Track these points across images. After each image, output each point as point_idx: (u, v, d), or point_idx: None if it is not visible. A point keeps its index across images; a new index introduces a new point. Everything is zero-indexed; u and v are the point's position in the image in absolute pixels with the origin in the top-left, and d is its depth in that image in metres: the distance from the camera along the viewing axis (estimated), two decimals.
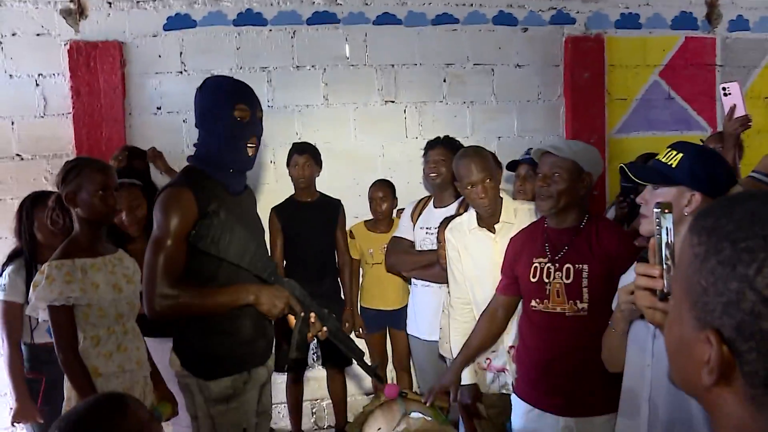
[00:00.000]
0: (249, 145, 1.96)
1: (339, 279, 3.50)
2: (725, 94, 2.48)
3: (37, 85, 3.44)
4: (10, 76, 3.41)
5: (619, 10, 3.91)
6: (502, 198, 2.47)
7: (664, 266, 1.06)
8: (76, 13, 3.45)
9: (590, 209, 3.34)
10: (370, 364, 2.24)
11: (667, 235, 1.06)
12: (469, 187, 2.37)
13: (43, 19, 3.41)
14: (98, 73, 3.43)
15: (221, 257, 1.86)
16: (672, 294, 0.77)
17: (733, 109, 2.45)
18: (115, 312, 2.11)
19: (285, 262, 3.40)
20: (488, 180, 2.35)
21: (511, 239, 2.28)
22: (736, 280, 0.64)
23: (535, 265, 2.10)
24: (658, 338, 1.32)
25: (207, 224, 1.82)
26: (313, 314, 1.99)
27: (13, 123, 3.43)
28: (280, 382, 3.46)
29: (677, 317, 0.73)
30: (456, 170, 2.45)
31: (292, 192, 3.44)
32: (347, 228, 3.51)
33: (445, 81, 3.75)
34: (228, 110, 1.90)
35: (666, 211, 1.05)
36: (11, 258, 2.67)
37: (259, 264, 1.95)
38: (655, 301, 1.07)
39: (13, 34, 3.40)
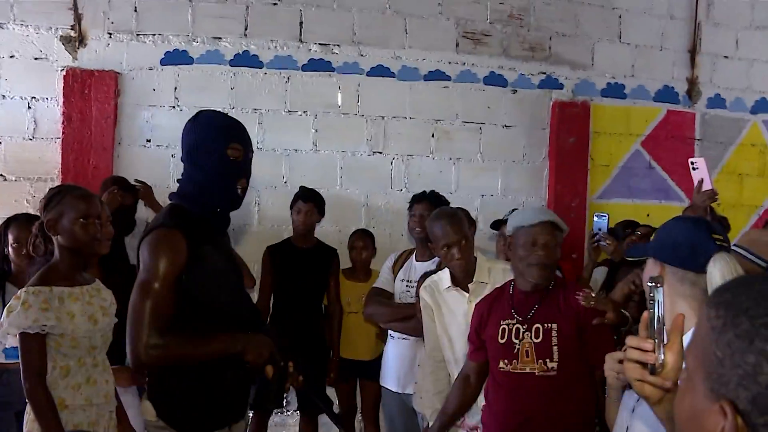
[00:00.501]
0: (239, 185, 1.89)
1: (324, 327, 3.48)
2: (693, 169, 2.58)
3: (29, 107, 3.50)
4: (3, 96, 3.48)
5: (606, 79, 4.08)
6: (476, 257, 2.53)
7: (656, 340, 1.08)
8: (75, 41, 3.54)
9: (569, 269, 3.48)
10: (337, 413, 2.24)
11: (659, 308, 1.08)
12: (445, 249, 2.44)
13: (42, 44, 3.50)
14: (92, 101, 3.50)
15: (211, 303, 1.80)
16: (686, 365, 0.80)
17: (700, 183, 2.54)
18: (89, 344, 2.09)
19: (273, 302, 3.43)
20: (463, 241, 2.42)
21: (476, 305, 2.32)
22: (754, 353, 0.66)
23: (503, 326, 2.16)
24: (641, 403, 1.36)
25: (199, 269, 1.75)
26: (290, 363, 1.92)
27: (0, 143, 3.48)
28: None
29: (689, 387, 0.75)
30: (431, 232, 2.51)
31: (274, 234, 3.49)
32: None
33: (433, 136, 3.86)
34: (221, 147, 1.84)
35: (657, 285, 1.09)
36: None
37: (245, 310, 1.92)
38: (645, 375, 1.08)
39: (11, 56, 3.48)
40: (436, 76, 3.86)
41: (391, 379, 3.16)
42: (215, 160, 1.84)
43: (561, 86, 4.01)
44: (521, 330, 2.12)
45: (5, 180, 3.48)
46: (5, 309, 2.07)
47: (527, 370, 2.08)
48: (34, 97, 3.51)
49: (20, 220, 2.73)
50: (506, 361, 2.12)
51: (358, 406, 3.59)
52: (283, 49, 3.69)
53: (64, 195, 2.15)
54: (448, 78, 3.87)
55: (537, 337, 2.09)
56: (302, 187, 3.48)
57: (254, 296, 3.40)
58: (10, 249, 2.69)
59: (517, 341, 2.11)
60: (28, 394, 2.03)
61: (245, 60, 3.65)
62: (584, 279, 3.02)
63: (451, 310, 2.49)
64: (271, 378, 1.86)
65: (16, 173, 3.49)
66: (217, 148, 1.84)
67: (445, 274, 2.55)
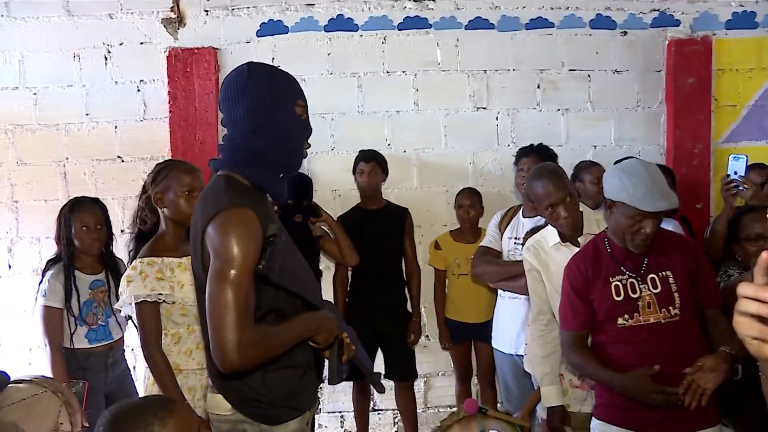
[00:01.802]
0: (305, 146, 1.77)
1: (406, 289, 3.57)
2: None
3: (138, 90, 3.74)
4: (116, 82, 3.73)
5: (731, 9, 3.79)
6: (581, 211, 2.48)
7: None
8: (175, 22, 3.72)
9: (693, 221, 3.33)
10: (373, 373, 2.11)
11: None
12: (550, 209, 2.39)
13: (146, 29, 3.71)
14: (194, 78, 3.68)
15: (286, 288, 1.67)
16: None
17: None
18: (197, 311, 2.21)
19: (350, 271, 3.51)
20: (568, 198, 2.37)
21: (568, 267, 2.26)
22: None
23: (615, 283, 2.14)
24: None
25: (274, 252, 1.59)
26: (345, 335, 1.83)
27: (116, 127, 3.75)
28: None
29: None
30: (532, 192, 2.46)
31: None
32: (434, 238, 3.60)
33: (539, 87, 3.77)
34: (291, 105, 1.69)
35: None
36: (50, 263, 2.80)
37: (311, 288, 1.83)
38: (765, 331, 0.91)
39: (120, 44, 3.72)
40: (539, 23, 3.75)
41: (503, 340, 3.16)
42: (285, 119, 1.68)
43: (677, 23, 3.78)
44: (636, 284, 2.12)
45: (123, 161, 3.75)
46: (123, 279, 2.23)
47: (651, 320, 2.10)
48: (142, 80, 3.73)
49: (85, 204, 2.81)
50: (627, 316, 2.11)
51: (474, 369, 3.63)
52: (377, 9, 3.71)
53: (170, 169, 2.31)
54: (552, 25, 3.75)
55: (655, 287, 2.11)
56: (361, 150, 3.52)
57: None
58: (76, 232, 2.74)
59: (635, 295, 2.11)
60: (147, 359, 2.21)
61: (340, 24, 3.70)
62: (718, 232, 2.84)
63: (561, 269, 2.41)
64: (330, 354, 1.80)
65: (131, 154, 3.75)
66: (286, 105, 1.69)
67: (550, 231, 2.51)
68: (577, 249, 2.41)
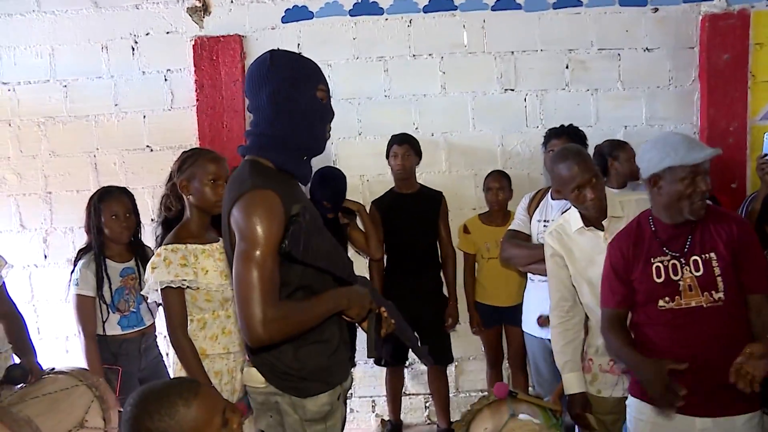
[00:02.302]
0: (328, 129, 1.84)
1: (442, 272, 3.58)
2: None
3: (166, 80, 3.78)
4: (143, 72, 3.77)
5: None
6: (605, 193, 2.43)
7: None
8: (200, 10, 3.75)
9: (727, 201, 3.25)
10: (421, 346, 2.15)
11: None
12: (576, 191, 2.34)
13: (172, 18, 3.74)
14: (220, 66, 3.71)
15: (312, 264, 1.72)
16: None
17: None
18: (221, 297, 2.28)
19: (386, 255, 3.52)
20: (594, 179, 2.33)
21: (611, 246, 2.23)
22: None
23: (656, 264, 2.09)
24: None
25: (297, 231, 1.64)
26: (383, 309, 1.89)
27: (144, 116, 3.80)
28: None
29: None
30: (557, 174, 2.40)
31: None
32: (462, 222, 3.58)
33: (567, 67, 3.72)
34: (312, 90, 1.76)
35: None
36: (81, 252, 2.84)
37: (341, 264, 1.85)
38: None
39: (146, 34, 3.76)
40: (567, 2, 3.68)
41: (533, 323, 3.13)
42: (306, 103, 1.75)
43: None
44: (678, 266, 2.06)
45: (152, 150, 3.80)
46: (148, 266, 2.27)
47: (693, 304, 2.04)
48: (169, 69, 3.77)
49: (114, 193, 2.85)
50: (667, 299, 2.06)
51: (505, 353, 3.62)
52: None
53: (196, 158, 2.35)
54: (580, 3, 3.68)
55: (697, 269, 2.04)
56: (394, 135, 3.51)
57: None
58: (105, 221, 2.78)
59: (677, 277, 2.05)
60: (173, 344, 2.25)
61: (365, 8, 3.69)
62: (755, 211, 2.79)
63: (585, 253, 2.41)
64: (368, 328, 1.84)
65: (160, 143, 3.80)
66: (307, 90, 1.75)
67: (573, 215, 2.46)
68: (602, 233, 2.38)
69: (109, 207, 2.79)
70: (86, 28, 3.78)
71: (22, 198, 3.90)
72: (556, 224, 2.53)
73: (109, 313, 2.76)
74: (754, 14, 3.65)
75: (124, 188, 2.94)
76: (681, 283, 2.05)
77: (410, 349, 2.13)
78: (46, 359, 3.00)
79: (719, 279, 2.02)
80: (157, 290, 2.24)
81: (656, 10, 3.70)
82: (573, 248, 2.45)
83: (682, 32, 3.71)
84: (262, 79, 1.75)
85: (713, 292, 2.02)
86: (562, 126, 3.21)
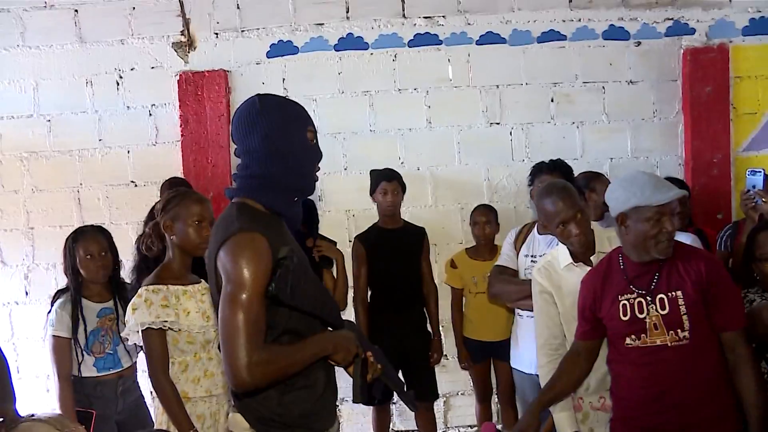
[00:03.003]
0: (317, 170, 1.85)
1: (425, 309, 3.53)
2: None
3: (150, 115, 3.77)
4: (128, 107, 3.76)
5: (748, 15, 3.72)
6: (592, 229, 2.43)
7: None
8: (186, 45, 3.75)
9: (713, 233, 3.26)
10: (407, 391, 2.14)
11: None
12: (561, 226, 2.35)
13: (157, 53, 3.74)
14: (205, 101, 3.70)
15: (299, 308, 1.71)
16: None
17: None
18: (203, 339, 2.25)
19: (370, 291, 3.48)
20: (579, 215, 2.33)
21: (582, 281, 2.25)
22: None
23: (623, 302, 2.09)
24: None
25: (284, 274, 1.63)
26: (369, 354, 1.85)
27: (129, 152, 3.77)
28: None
29: None
30: (542, 209, 2.42)
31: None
32: (449, 256, 3.57)
33: (552, 101, 3.74)
34: (302, 131, 1.77)
35: None
36: (59, 293, 2.80)
37: (328, 308, 1.84)
38: None
39: (131, 69, 3.76)
40: (551, 36, 3.72)
41: (522, 359, 3.09)
42: (297, 145, 1.75)
43: (692, 31, 3.72)
44: (644, 303, 2.05)
45: (136, 186, 3.77)
46: (129, 307, 2.23)
47: (658, 342, 2.03)
48: (154, 104, 3.76)
49: (87, 232, 2.81)
50: (633, 337, 2.07)
51: (494, 388, 3.58)
52: (387, 27, 3.71)
53: (181, 198, 2.34)
54: (564, 37, 3.72)
55: (663, 308, 2.03)
56: (377, 170, 3.47)
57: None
58: (80, 262, 2.74)
59: (642, 315, 2.05)
60: (154, 387, 2.21)
61: (350, 43, 3.71)
62: (741, 245, 2.79)
63: (574, 289, 2.36)
64: (353, 373, 1.82)
65: (144, 178, 3.77)
66: (297, 131, 1.76)
67: (562, 251, 2.44)
68: (588, 269, 2.36)
69: (84, 246, 2.75)
70: (71, 62, 3.77)
71: (3, 234, 3.85)
72: (545, 261, 2.51)
73: (83, 355, 2.70)
74: (733, 48, 3.71)
75: (100, 227, 2.91)
76: (647, 321, 2.05)
77: (396, 394, 2.08)
78: (25, 399, 2.94)
79: (685, 318, 2.01)
80: (137, 332, 2.20)
81: (639, 43, 3.74)
82: (562, 285, 2.42)
83: (665, 65, 3.75)
84: (252, 122, 1.75)
85: (678, 330, 2.01)
86: (551, 161, 3.22)
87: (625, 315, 2.08)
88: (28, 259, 3.83)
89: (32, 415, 2.40)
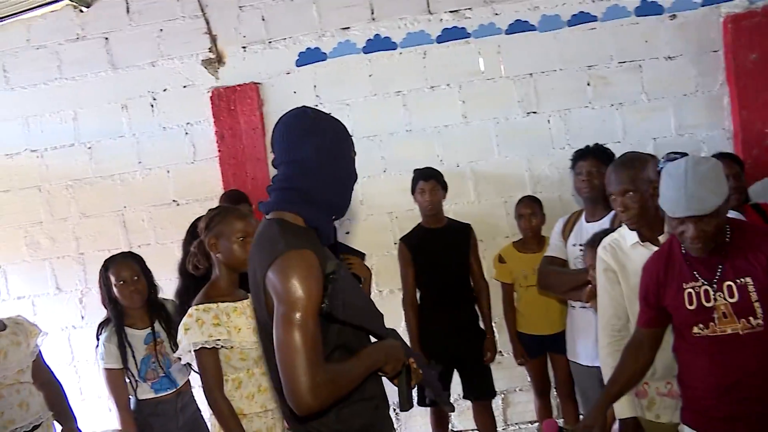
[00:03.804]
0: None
1: (477, 306, 3.49)
2: None
3: (186, 133, 3.80)
4: (164, 128, 3.81)
5: None
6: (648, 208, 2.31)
7: None
8: (215, 62, 3.78)
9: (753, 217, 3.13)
10: (443, 393, 2.09)
11: None
12: (611, 198, 2.31)
13: (188, 72, 3.78)
14: (239, 115, 3.71)
15: (352, 323, 1.67)
16: None
17: None
18: (256, 354, 2.23)
19: (419, 292, 3.45)
20: (630, 192, 2.24)
21: (644, 267, 2.15)
22: None
23: (688, 291, 1.99)
24: None
25: (335, 289, 1.60)
26: (412, 361, 1.82)
27: (168, 171, 3.82)
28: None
29: None
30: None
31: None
32: (497, 252, 3.51)
33: (588, 84, 3.63)
34: (350, 150, 1.74)
35: None
36: (102, 326, 2.82)
37: (375, 319, 1.80)
38: None
39: (164, 90, 3.80)
40: (581, 18, 3.61)
41: (579, 352, 3.02)
42: (346, 163, 1.72)
43: None
44: (711, 292, 1.95)
45: (178, 205, 3.81)
46: (180, 327, 2.23)
47: (729, 331, 1.92)
48: (189, 123, 3.80)
49: (117, 259, 2.84)
50: (701, 326, 1.96)
51: (552, 382, 3.50)
52: (413, 25, 3.66)
53: (224, 216, 2.33)
54: (594, 18, 3.61)
55: (732, 296, 1.92)
56: (417, 169, 3.44)
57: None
58: (115, 289, 2.76)
59: (709, 304, 1.95)
60: (210, 405, 2.21)
61: (378, 44, 3.67)
62: None
63: (639, 269, 2.26)
64: (399, 382, 1.79)
65: (186, 197, 3.81)
66: (348, 150, 1.73)
67: (628, 230, 2.38)
68: (653, 251, 2.27)
69: (116, 273, 2.78)
70: (106, 89, 3.84)
71: (56, 261, 3.95)
72: (611, 238, 2.42)
73: (137, 383, 2.73)
74: None
75: (130, 252, 2.96)
76: (715, 309, 1.94)
77: (435, 396, 2.08)
78: (89, 419, 3.01)
79: (757, 305, 1.90)
80: (190, 351, 2.20)
81: (674, 16, 3.61)
82: (627, 264, 2.34)
83: (704, 36, 3.60)
84: (304, 131, 1.68)
85: (751, 318, 1.90)
86: (587, 147, 3.14)
87: (691, 304, 1.98)
88: (81, 283, 3.92)
89: None
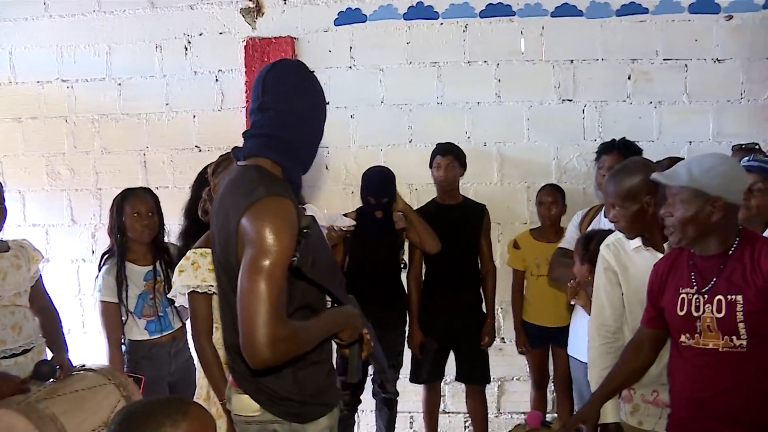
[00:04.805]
0: None
1: (481, 289, 3.45)
2: None
3: (217, 80, 3.77)
4: (195, 72, 3.79)
5: None
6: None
7: None
8: (254, 11, 3.73)
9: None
10: (387, 371, 2.05)
11: None
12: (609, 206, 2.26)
13: (225, 19, 3.74)
14: None
15: (317, 282, 1.64)
16: None
17: None
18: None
19: (425, 268, 3.41)
20: (616, 207, 2.19)
21: (654, 267, 2.10)
22: None
23: (681, 296, 1.95)
24: None
25: (308, 245, 1.55)
26: (365, 331, 1.79)
27: (194, 116, 3.81)
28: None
29: None
30: None
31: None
32: (513, 237, 3.46)
33: (629, 78, 3.53)
34: (325, 108, 1.74)
35: None
36: (104, 258, 2.83)
37: (338, 282, 1.77)
38: None
39: (200, 34, 3.78)
40: (632, 9, 3.49)
41: (580, 348, 2.88)
42: (323, 121, 1.73)
43: None
44: (701, 302, 1.90)
45: (200, 151, 3.81)
46: (176, 268, 2.23)
47: (710, 345, 1.88)
48: (221, 70, 3.77)
49: (136, 192, 2.86)
50: (687, 335, 1.93)
51: (551, 375, 3.47)
52: None
53: (230, 162, 2.25)
54: (645, 10, 3.49)
55: (719, 311, 1.86)
56: (438, 143, 3.39)
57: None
58: (128, 220, 2.78)
59: (697, 314, 1.90)
60: (197, 350, 2.21)
61: (419, 12, 3.60)
62: None
63: (641, 273, 2.22)
64: (351, 351, 1.77)
65: (209, 144, 3.79)
66: (324, 107, 1.73)
67: None
68: (661, 255, 2.20)
69: (132, 205, 2.79)
70: (142, 27, 3.82)
71: (74, 193, 3.98)
72: (615, 237, 2.36)
73: (133, 318, 2.74)
74: None
75: (148, 188, 2.96)
76: (700, 321, 1.90)
77: (378, 373, 2.03)
78: (89, 353, 3.04)
79: (741, 325, 1.83)
80: (183, 294, 2.20)
81: (730, 17, 3.48)
82: (629, 266, 2.28)
83: (759, 41, 3.46)
84: (305, 85, 1.67)
85: (734, 337, 1.85)
86: (613, 141, 3.07)
87: (681, 310, 1.94)
88: (96, 218, 3.95)
89: (83, 365, 2.50)
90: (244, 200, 1.54)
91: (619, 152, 2.94)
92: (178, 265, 2.23)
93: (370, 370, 3.11)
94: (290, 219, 1.51)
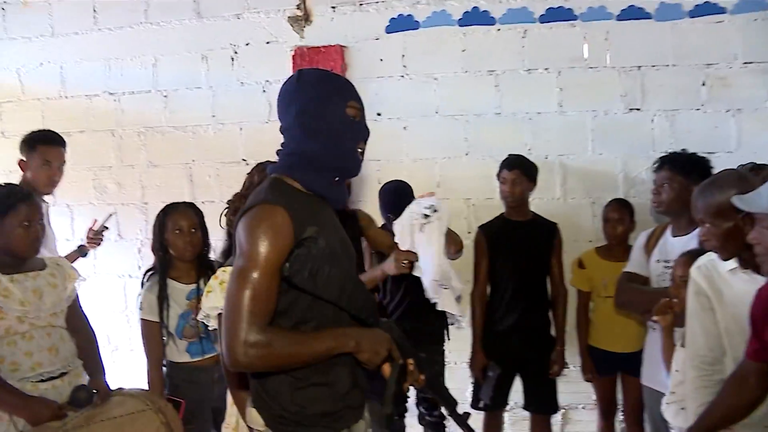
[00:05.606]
0: (359, 148, 1.75)
1: (551, 312, 3.26)
2: None
3: (264, 91, 3.71)
4: (241, 83, 3.73)
5: None
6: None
7: None
8: (302, 20, 3.66)
9: None
10: (462, 414, 1.92)
11: None
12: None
13: (272, 28, 3.67)
14: None
15: (317, 295, 1.61)
16: None
17: None
18: None
19: (490, 288, 3.25)
20: (705, 224, 2.03)
21: (758, 293, 1.88)
22: None
23: None
24: None
25: (304, 254, 1.55)
26: (410, 361, 1.73)
27: (241, 129, 3.75)
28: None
29: None
30: None
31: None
32: (577, 256, 3.27)
33: (704, 84, 3.30)
34: (340, 106, 1.68)
35: None
36: (147, 275, 2.78)
37: (359, 302, 1.72)
38: None
39: (246, 44, 3.72)
40: (707, 9, 3.26)
41: (653, 377, 2.74)
42: (333, 121, 1.68)
43: None
44: None
45: (247, 164, 3.70)
46: (205, 289, 2.16)
47: None
48: (268, 80, 3.70)
49: (179, 207, 2.79)
50: None
51: (620, 404, 3.25)
52: (516, 0, 3.41)
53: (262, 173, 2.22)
54: (722, 10, 3.25)
55: None
56: (509, 155, 3.22)
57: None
58: (170, 237, 2.72)
59: None
60: (225, 374, 2.12)
61: (475, 17, 3.45)
62: None
63: (739, 299, 2.02)
64: (389, 379, 1.69)
65: (255, 156, 3.65)
66: (335, 107, 1.68)
67: None
68: (761, 278, 2.00)
69: (174, 221, 2.72)
70: (188, 38, 3.79)
71: (120, 207, 3.96)
72: (707, 258, 2.17)
73: (172, 338, 2.65)
74: None
75: (191, 203, 2.87)
76: None
77: (450, 415, 1.94)
78: (136, 371, 2.97)
79: None
80: (215, 316, 2.11)
81: None
82: (724, 290, 2.09)
83: None
84: (289, 97, 1.72)
85: None
86: (673, 153, 2.84)
87: None
88: (142, 233, 3.92)
89: (120, 389, 2.42)
90: (244, 208, 1.64)
91: (669, 167, 2.72)
92: (207, 285, 2.16)
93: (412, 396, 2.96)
94: (276, 226, 1.55)
